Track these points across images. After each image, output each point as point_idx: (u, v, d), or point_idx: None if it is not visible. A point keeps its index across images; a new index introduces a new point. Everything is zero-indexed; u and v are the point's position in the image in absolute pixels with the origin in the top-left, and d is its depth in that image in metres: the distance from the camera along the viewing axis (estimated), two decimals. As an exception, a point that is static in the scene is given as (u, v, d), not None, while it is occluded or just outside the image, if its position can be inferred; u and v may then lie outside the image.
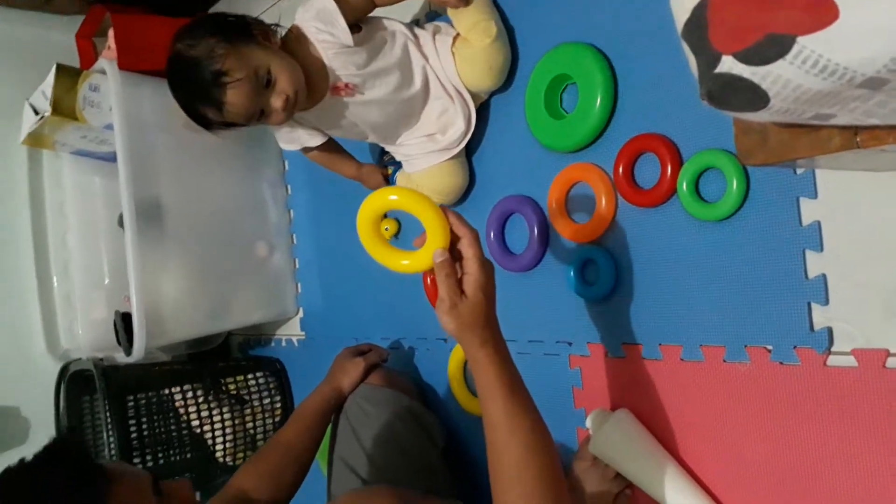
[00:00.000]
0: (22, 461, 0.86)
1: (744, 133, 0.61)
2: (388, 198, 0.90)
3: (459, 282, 0.88)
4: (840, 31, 0.42)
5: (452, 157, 1.32)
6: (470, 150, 1.37)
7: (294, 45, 1.20)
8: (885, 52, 0.42)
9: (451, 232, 0.89)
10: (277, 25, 1.22)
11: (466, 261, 0.89)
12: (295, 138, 1.35)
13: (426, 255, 0.89)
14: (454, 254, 0.90)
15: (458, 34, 1.26)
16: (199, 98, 1.19)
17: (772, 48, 0.45)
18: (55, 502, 0.83)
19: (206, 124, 1.23)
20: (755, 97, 0.49)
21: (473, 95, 1.29)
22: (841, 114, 0.50)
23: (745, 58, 0.47)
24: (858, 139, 0.54)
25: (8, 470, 0.85)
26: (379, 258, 0.95)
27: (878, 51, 0.42)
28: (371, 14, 1.22)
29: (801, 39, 0.44)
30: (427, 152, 1.32)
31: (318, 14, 1.17)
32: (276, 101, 1.17)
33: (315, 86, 1.22)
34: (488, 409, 0.88)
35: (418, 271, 0.93)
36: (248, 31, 1.17)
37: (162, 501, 0.91)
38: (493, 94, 1.32)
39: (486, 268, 0.90)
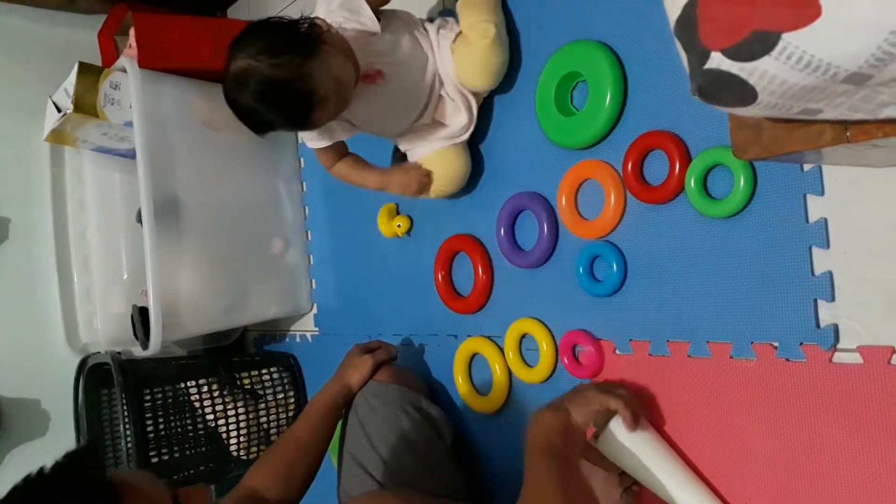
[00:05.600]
0: (41, 471, 0.82)
1: (738, 128, 0.62)
2: None
3: None
4: (823, 27, 0.43)
5: (454, 144, 1.34)
6: (481, 147, 1.38)
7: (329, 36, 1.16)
8: (866, 47, 0.42)
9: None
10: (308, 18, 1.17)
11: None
12: (328, 131, 1.30)
13: None
14: None
15: (460, 32, 1.26)
16: (283, 119, 1.14)
17: (758, 44, 0.46)
18: None
19: (265, 131, 1.18)
20: (744, 92, 0.50)
21: (472, 93, 1.30)
22: (828, 109, 0.50)
23: (733, 54, 0.48)
24: (848, 133, 0.54)
25: (26, 480, 0.81)
26: None
27: (860, 46, 0.42)
28: (384, 7, 1.23)
29: (785, 36, 0.45)
30: (430, 139, 1.34)
31: (343, 3, 1.18)
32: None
33: None
34: None
35: None
36: (318, 38, 1.11)
37: None
38: (503, 91, 1.33)
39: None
